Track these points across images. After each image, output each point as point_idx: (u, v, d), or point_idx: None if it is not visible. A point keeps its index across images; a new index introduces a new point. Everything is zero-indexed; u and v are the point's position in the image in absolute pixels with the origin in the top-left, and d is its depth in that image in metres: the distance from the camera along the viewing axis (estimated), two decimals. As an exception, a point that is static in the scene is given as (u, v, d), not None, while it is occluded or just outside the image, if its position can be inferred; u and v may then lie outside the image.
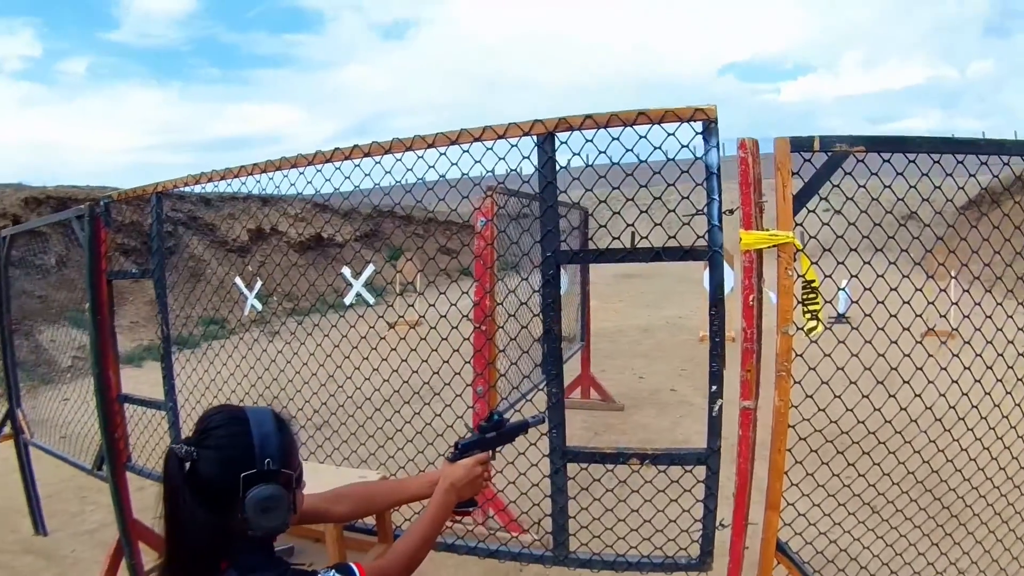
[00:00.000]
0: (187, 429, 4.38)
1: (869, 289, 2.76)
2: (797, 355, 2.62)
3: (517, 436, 2.35)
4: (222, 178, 3.67)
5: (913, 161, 2.54)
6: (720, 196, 2.58)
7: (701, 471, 2.79)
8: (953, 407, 2.94)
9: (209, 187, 3.83)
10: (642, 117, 2.63)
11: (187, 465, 1.69)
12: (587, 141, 2.76)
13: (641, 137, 2.70)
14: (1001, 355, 2.88)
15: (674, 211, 2.84)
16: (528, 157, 2.84)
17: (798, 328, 2.59)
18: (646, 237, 2.76)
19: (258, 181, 3.63)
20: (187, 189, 4.04)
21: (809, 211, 2.60)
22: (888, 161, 2.56)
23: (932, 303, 3.00)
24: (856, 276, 2.75)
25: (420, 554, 2.01)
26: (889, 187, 2.77)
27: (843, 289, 2.71)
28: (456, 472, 2.14)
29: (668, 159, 2.70)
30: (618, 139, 2.73)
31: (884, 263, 2.87)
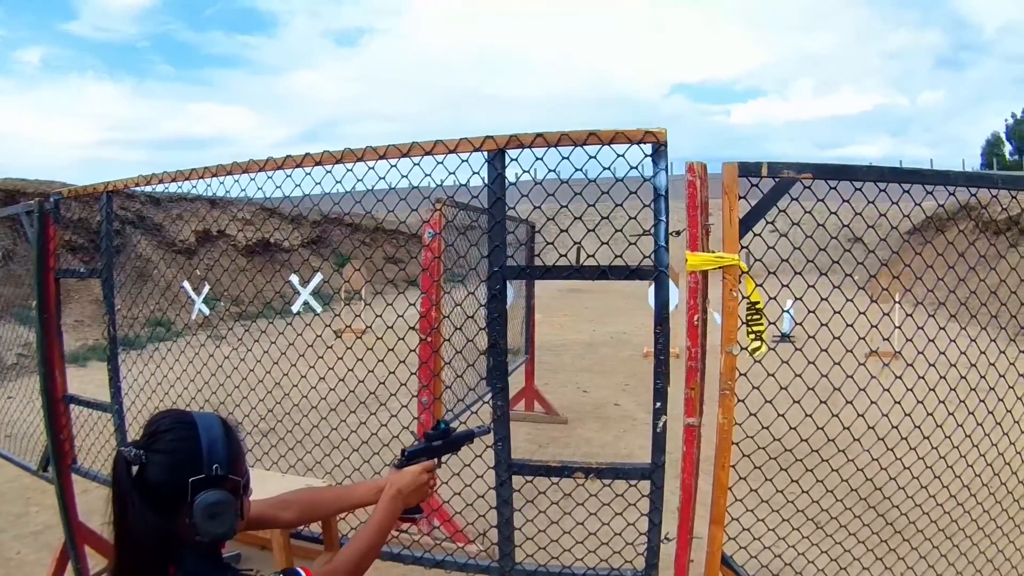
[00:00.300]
0: (133, 432, 4.34)
1: (813, 311, 2.81)
2: (741, 374, 2.65)
3: (463, 445, 2.36)
4: (173, 180, 3.63)
5: (860, 189, 2.57)
6: (667, 217, 2.61)
7: (646, 485, 2.82)
8: (896, 427, 2.99)
9: (164, 187, 3.79)
10: (592, 137, 2.65)
11: (135, 468, 1.67)
12: (537, 159, 2.78)
13: (591, 157, 2.72)
14: (944, 377, 2.95)
15: (621, 231, 2.87)
16: (478, 172, 2.85)
17: (742, 348, 2.63)
18: (592, 255, 2.79)
19: (208, 185, 3.60)
20: (143, 188, 4.00)
21: (755, 234, 2.64)
22: (835, 188, 2.59)
23: (876, 326, 3.06)
24: (800, 299, 2.79)
25: (366, 560, 2.01)
26: (835, 213, 2.82)
27: (787, 311, 2.76)
28: (402, 479, 2.14)
29: (617, 179, 2.72)
30: (568, 158, 2.75)
31: (829, 286, 2.91)
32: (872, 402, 2.95)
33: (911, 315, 3.01)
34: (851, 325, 2.94)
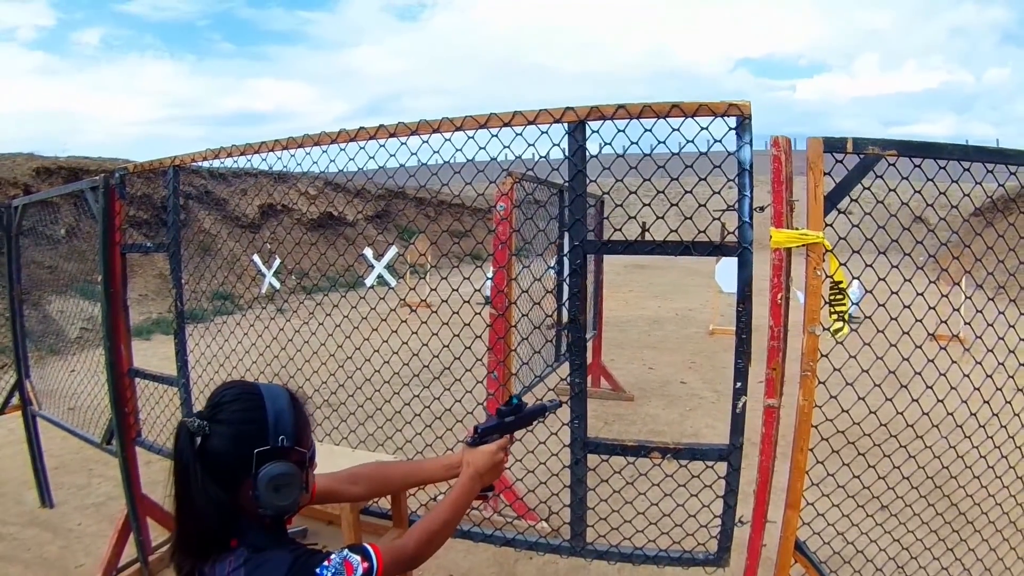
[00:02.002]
0: (199, 405, 4.36)
1: (896, 293, 2.74)
2: (823, 355, 2.60)
3: (535, 420, 2.32)
4: (242, 153, 3.62)
5: (944, 168, 2.51)
6: (752, 192, 2.56)
7: (720, 466, 2.78)
8: (974, 414, 2.92)
9: (224, 161, 3.77)
10: (675, 110, 2.59)
11: (198, 440, 1.65)
12: (619, 131, 2.73)
13: (674, 130, 2.66)
14: (1023, 364, 2.87)
15: (704, 205, 2.82)
16: (558, 144, 2.81)
17: (824, 329, 2.57)
18: (675, 230, 2.74)
19: (279, 158, 3.58)
20: (205, 164, 3.99)
21: (840, 212, 2.58)
22: (919, 166, 2.52)
23: (957, 310, 2.99)
24: (884, 279, 2.72)
25: (439, 537, 1.96)
26: (919, 192, 2.75)
27: (869, 291, 2.69)
28: (480, 459, 2.10)
29: (701, 153, 2.67)
30: (650, 130, 2.70)
31: (906, 267, 2.85)
32: (952, 387, 2.88)
33: (992, 299, 2.95)
34: (933, 308, 2.88)
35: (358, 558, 1.66)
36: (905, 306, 2.77)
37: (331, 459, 3.33)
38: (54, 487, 5.92)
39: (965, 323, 3.11)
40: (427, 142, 3.06)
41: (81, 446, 5.61)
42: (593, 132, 2.75)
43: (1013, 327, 2.85)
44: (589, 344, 8.66)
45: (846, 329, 2.61)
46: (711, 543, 2.93)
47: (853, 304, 2.70)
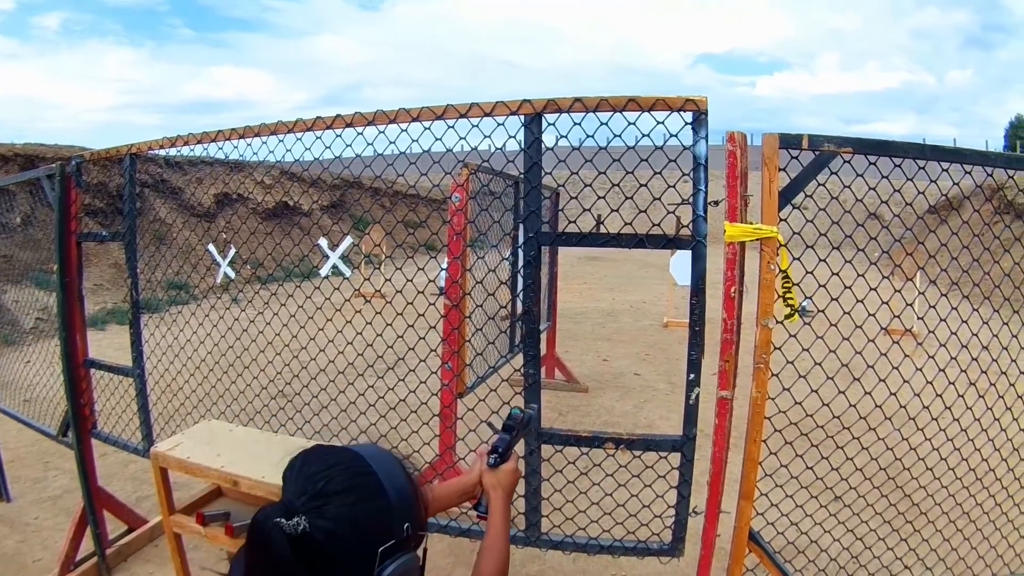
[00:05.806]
0: (155, 395, 4.30)
1: (850, 287, 2.77)
2: (775, 348, 2.62)
3: (526, 432, 2.32)
4: (199, 142, 3.57)
5: (899, 166, 2.53)
6: (706, 187, 2.57)
7: (675, 457, 2.80)
8: (927, 407, 2.96)
9: (181, 150, 3.73)
10: (632, 104, 2.60)
11: (286, 536, 1.24)
12: (575, 124, 2.73)
13: (630, 123, 2.67)
14: (975, 359, 2.91)
15: (659, 199, 2.83)
16: (515, 136, 2.80)
17: (777, 321, 2.59)
18: (630, 223, 2.75)
19: (235, 146, 3.54)
20: (161, 152, 3.95)
21: (794, 207, 2.60)
22: (874, 163, 2.54)
23: (911, 305, 3.02)
24: (837, 274, 2.75)
25: (506, 568, 1.91)
26: (873, 189, 2.78)
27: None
28: (507, 480, 2.05)
29: (657, 147, 2.68)
30: (606, 124, 2.71)
31: (860, 262, 2.88)
32: (905, 381, 2.91)
33: (945, 295, 2.98)
34: (886, 302, 2.91)
35: None
36: (858, 300, 2.80)
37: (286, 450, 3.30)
38: (10, 480, 5.84)
39: (918, 318, 3.14)
40: (383, 132, 3.04)
41: (37, 438, 5.54)
42: (549, 125, 2.75)
43: (966, 322, 2.89)
44: (543, 335, 8.67)
45: (796, 317, 2.63)
46: (665, 533, 2.95)
47: (807, 298, 2.71)
